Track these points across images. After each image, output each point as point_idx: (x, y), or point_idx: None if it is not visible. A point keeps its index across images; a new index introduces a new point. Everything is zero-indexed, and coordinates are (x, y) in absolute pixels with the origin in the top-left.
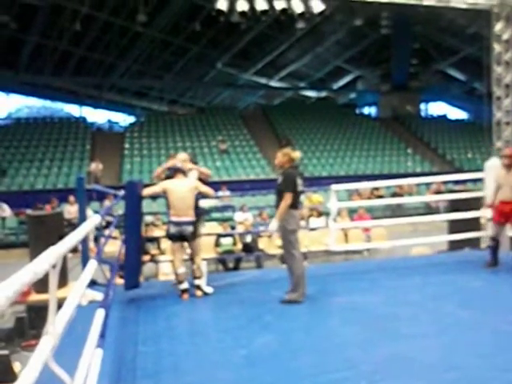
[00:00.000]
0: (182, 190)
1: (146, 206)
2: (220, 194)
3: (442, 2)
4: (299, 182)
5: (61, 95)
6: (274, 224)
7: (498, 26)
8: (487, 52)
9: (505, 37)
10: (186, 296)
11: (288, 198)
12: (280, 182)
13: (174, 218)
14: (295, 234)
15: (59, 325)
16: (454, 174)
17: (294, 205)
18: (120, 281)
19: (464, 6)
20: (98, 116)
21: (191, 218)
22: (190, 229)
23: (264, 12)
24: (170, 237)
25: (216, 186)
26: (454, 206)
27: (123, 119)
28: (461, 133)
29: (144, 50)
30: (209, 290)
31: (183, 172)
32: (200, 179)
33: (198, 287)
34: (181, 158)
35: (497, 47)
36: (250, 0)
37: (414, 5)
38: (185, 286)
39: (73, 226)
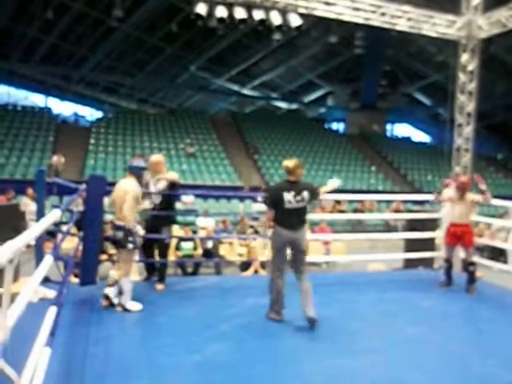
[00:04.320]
0: (117, 190)
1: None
2: (183, 198)
3: (414, 28)
4: (288, 197)
5: (26, 83)
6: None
7: (464, 57)
8: (452, 80)
9: (470, 68)
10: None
11: (268, 214)
12: None
13: (114, 220)
14: (277, 252)
15: (10, 320)
16: (413, 194)
17: (280, 221)
18: (74, 279)
19: (434, 35)
20: (63, 108)
21: (122, 222)
22: (119, 234)
23: (242, 20)
24: (112, 241)
25: (181, 189)
26: (412, 225)
27: (90, 113)
28: (423, 155)
29: (117, 45)
30: (135, 307)
31: (136, 174)
32: (173, 184)
33: (107, 297)
34: (153, 161)
35: (462, 77)
36: (229, 7)
37: (387, 29)
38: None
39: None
